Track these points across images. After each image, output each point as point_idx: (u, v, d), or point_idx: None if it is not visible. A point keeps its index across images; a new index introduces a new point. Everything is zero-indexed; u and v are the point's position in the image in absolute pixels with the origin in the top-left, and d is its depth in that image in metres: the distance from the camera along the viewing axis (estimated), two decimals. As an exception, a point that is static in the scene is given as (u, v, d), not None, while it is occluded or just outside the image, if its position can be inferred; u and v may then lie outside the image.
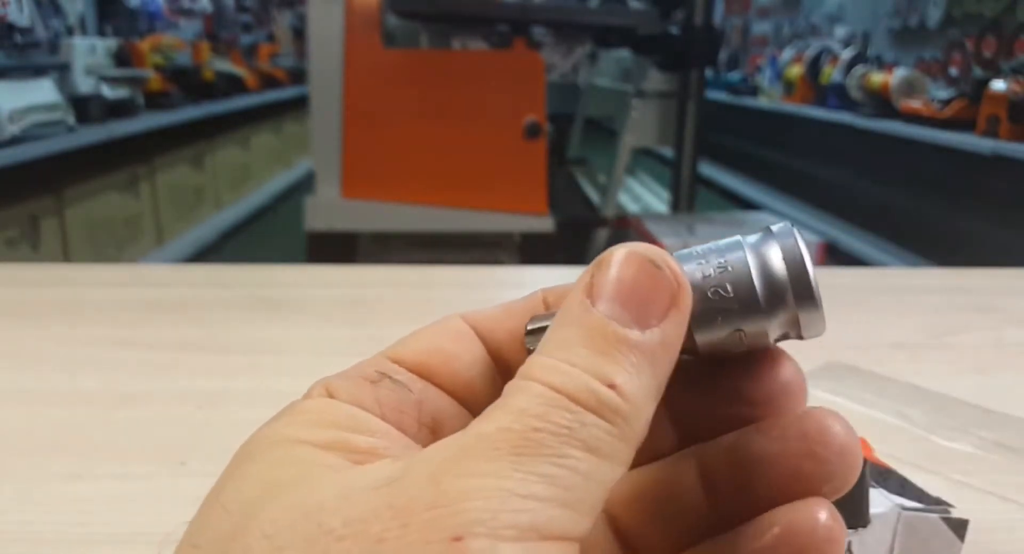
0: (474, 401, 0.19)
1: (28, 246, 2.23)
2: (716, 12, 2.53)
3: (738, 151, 5.01)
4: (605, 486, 0.15)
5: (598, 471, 0.14)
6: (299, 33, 5.11)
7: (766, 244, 0.18)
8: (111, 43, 2.65)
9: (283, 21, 5.49)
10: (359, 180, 1.94)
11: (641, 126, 2.19)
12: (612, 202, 2.29)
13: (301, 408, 0.18)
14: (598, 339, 0.16)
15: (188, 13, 4.30)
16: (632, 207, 3.25)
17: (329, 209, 1.95)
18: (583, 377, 0.15)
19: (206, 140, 3.51)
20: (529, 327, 0.19)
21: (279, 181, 4.56)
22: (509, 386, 0.16)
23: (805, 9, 5.49)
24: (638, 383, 0.15)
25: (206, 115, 3.25)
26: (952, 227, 2.89)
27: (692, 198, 2.27)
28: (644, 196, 3.63)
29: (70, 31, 2.89)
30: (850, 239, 3.46)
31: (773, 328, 0.18)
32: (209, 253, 3.27)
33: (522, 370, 0.16)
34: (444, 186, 1.95)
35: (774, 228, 0.18)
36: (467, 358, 0.20)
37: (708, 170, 4.88)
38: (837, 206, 3.73)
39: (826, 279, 0.64)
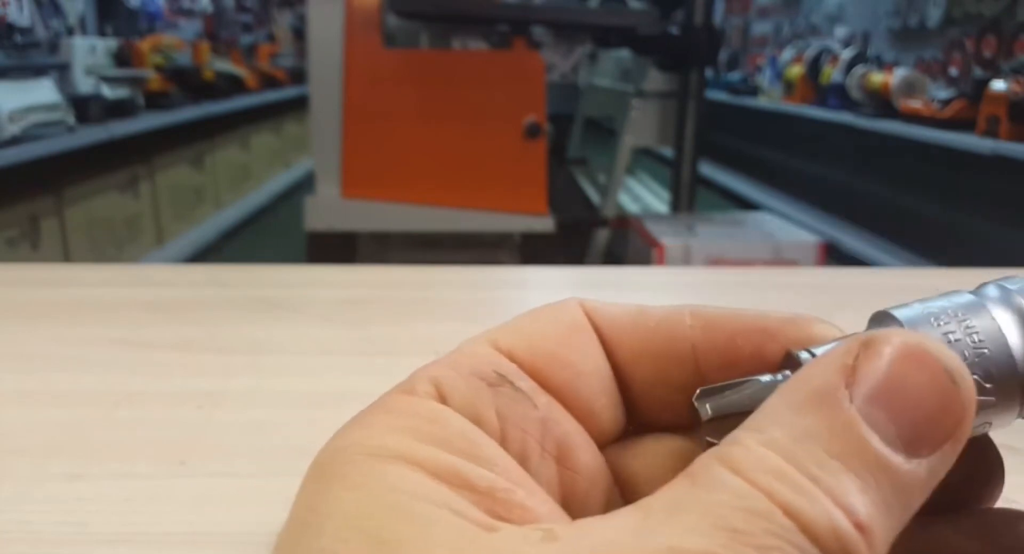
0: (595, 426, 0.16)
1: (28, 246, 2.23)
2: (716, 12, 2.53)
3: (738, 151, 5.01)
4: None
5: None
6: (299, 33, 5.11)
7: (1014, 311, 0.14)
8: (111, 43, 2.65)
9: (283, 21, 5.49)
10: (359, 180, 1.94)
11: (641, 126, 2.19)
12: (612, 202, 2.29)
13: (406, 409, 0.15)
14: (852, 453, 0.12)
15: (188, 13, 4.30)
16: (632, 207, 3.25)
17: (329, 209, 1.95)
18: (825, 504, 0.11)
19: (206, 140, 3.51)
20: (705, 395, 0.15)
21: (279, 181, 4.56)
22: (712, 475, 0.12)
23: (805, 9, 5.49)
24: (886, 526, 0.12)
25: (206, 115, 3.25)
26: (952, 227, 2.89)
27: (692, 198, 2.27)
28: (644, 196, 3.63)
29: (70, 31, 2.89)
30: (850, 239, 3.46)
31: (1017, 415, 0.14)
32: (209, 253, 3.27)
33: (735, 456, 0.12)
34: (444, 186, 1.95)
35: (1012, 286, 0.15)
36: (590, 367, 0.16)
37: (708, 170, 4.88)
38: (837, 206, 3.73)
39: (826, 279, 0.64)
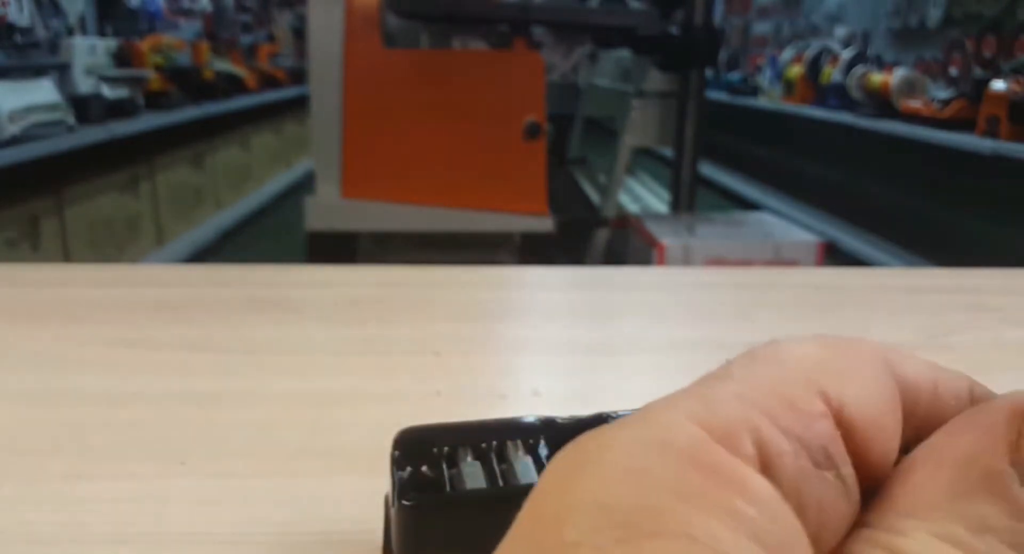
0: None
1: (28, 246, 2.23)
2: (716, 12, 2.53)
3: (738, 151, 5.01)
4: None
5: None
6: (299, 33, 5.11)
7: None
8: (111, 43, 2.66)
9: (283, 21, 5.49)
10: (359, 180, 1.94)
11: (641, 126, 2.19)
12: (612, 202, 2.29)
13: (733, 481, 0.11)
14: None
15: (188, 13, 4.30)
16: (632, 207, 3.25)
17: (329, 209, 1.95)
18: None
19: (206, 140, 3.52)
20: None
21: (279, 181, 4.56)
22: None
23: (805, 9, 5.49)
24: None
25: (206, 115, 3.25)
26: (952, 227, 2.89)
27: (692, 198, 2.27)
28: (644, 196, 3.63)
29: (70, 31, 2.89)
30: (850, 239, 3.46)
31: None
32: (209, 253, 3.27)
33: (912, 551, 0.11)
34: (444, 186, 1.95)
35: None
36: (896, 442, 0.13)
37: (708, 170, 4.88)
38: (837, 206, 3.73)
39: (826, 279, 0.64)
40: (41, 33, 2.60)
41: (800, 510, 0.11)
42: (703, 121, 2.16)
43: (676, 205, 2.27)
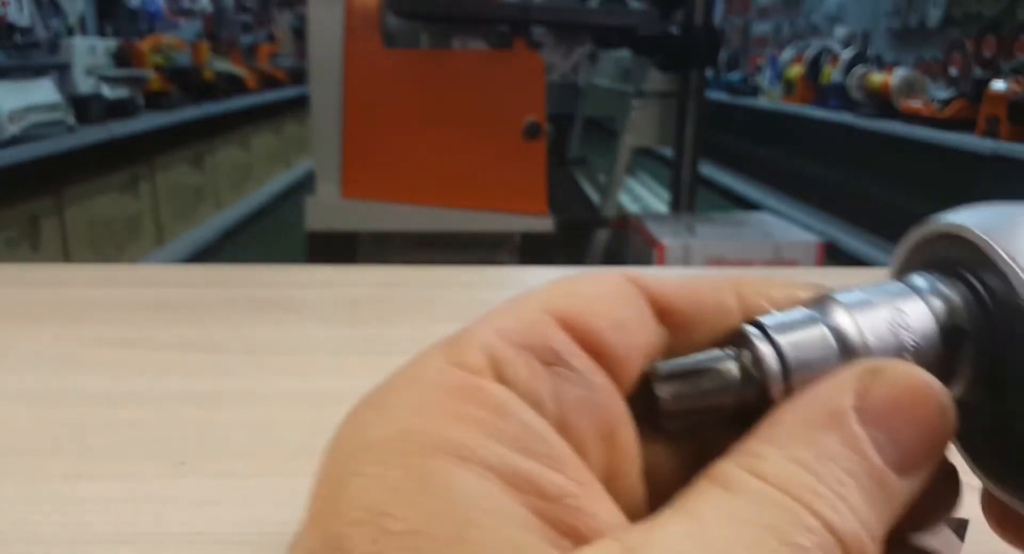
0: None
1: (28, 246, 2.23)
2: (716, 12, 2.53)
3: (738, 151, 5.01)
4: None
5: None
6: (299, 33, 5.11)
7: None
8: (111, 43, 2.66)
9: (283, 21, 5.49)
10: (359, 180, 1.94)
11: (641, 126, 2.19)
12: (612, 202, 2.29)
13: (466, 391, 0.13)
14: (862, 472, 0.13)
15: (188, 13, 4.30)
16: (632, 207, 3.25)
17: (329, 209, 1.95)
18: (853, 520, 0.13)
19: (206, 140, 3.52)
20: (665, 371, 0.15)
21: (279, 181, 4.56)
22: (752, 487, 0.13)
23: (805, 9, 5.49)
24: (882, 536, 0.13)
25: (206, 115, 3.25)
26: (952, 227, 2.88)
27: (692, 198, 2.27)
28: (644, 196, 3.63)
29: (70, 31, 2.89)
30: (850, 239, 3.46)
31: None
32: (209, 253, 3.27)
33: (768, 470, 0.13)
34: (444, 186, 1.95)
35: (931, 277, 0.16)
36: (644, 336, 0.15)
37: (708, 170, 4.88)
38: (837, 206, 3.73)
39: (826, 279, 0.64)
40: (41, 33, 2.60)
41: (537, 404, 0.13)
42: (703, 121, 2.16)
43: (676, 205, 2.28)
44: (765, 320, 0.16)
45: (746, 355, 0.15)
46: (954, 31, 3.51)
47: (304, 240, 2.01)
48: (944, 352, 0.16)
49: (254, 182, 4.22)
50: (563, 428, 0.13)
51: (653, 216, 2.34)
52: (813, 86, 3.96)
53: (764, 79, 4.70)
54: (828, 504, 0.12)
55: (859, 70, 3.47)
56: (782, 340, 0.15)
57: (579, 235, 2.29)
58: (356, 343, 0.50)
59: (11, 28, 2.44)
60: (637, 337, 0.15)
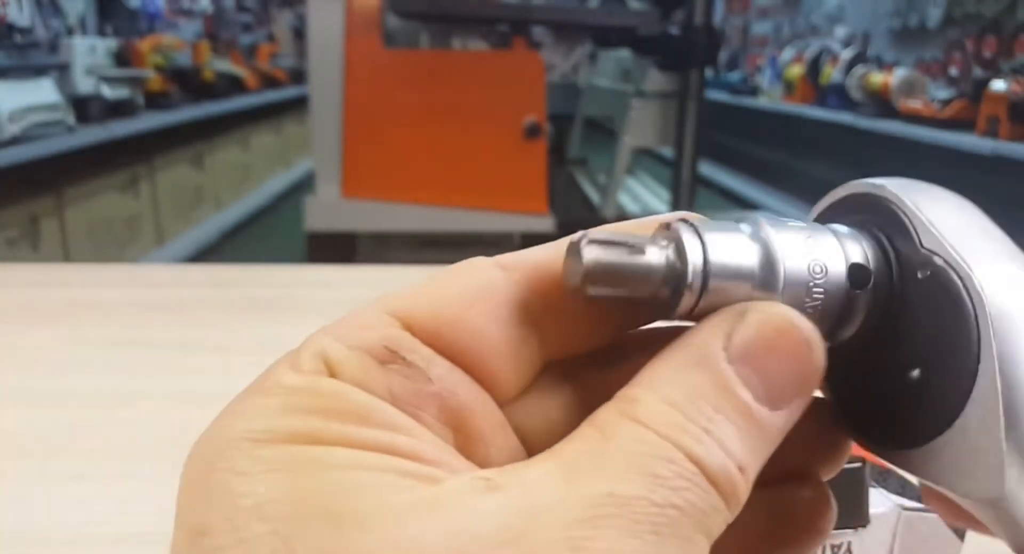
0: (498, 388, 0.16)
1: (28, 246, 2.23)
2: (716, 12, 2.53)
3: (738, 151, 5.01)
4: None
5: None
6: (299, 33, 5.10)
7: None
8: (111, 43, 2.66)
9: (283, 21, 5.49)
10: (359, 180, 1.94)
11: (641, 126, 2.19)
12: (612, 202, 2.29)
13: (301, 387, 0.14)
14: (731, 407, 0.14)
15: (188, 13, 4.30)
16: (632, 207, 3.24)
17: (329, 209, 1.95)
18: (718, 452, 0.13)
19: (206, 140, 3.51)
20: (595, 237, 0.15)
21: (279, 181, 4.55)
22: (623, 429, 0.13)
23: (805, 9, 5.49)
24: (755, 467, 0.14)
25: (206, 115, 3.25)
26: (952, 227, 2.89)
27: (692, 198, 2.27)
28: (644, 196, 3.62)
29: (70, 31, 2.88)
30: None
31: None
32: (209, 253, 3.27)
33: (641, 413, 0.14)
34: (444, 186, 1.95)
35: (843, 230, 0.17)
36: (496, 329, 0.16)
37: (708, 170, 4.88)
38: (837, 206, 3.73)
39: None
40: (41, 33, 2.60)
41: (375, 392, 0.14)
42: (703, 121, 2.16)
43: (676, 205, 2.27)
44: (694, 220, 0.16)
45: (672, 248, 0.15)
46: (954, 31, 3.50)
47: (304, 240, 2.01)
48: (848, 288, 0.16)
49: (254, 182, 4.22)
50: (414, 408, 0.14)
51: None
52: (813, 86, 3.96)
53: (764, 79, 4.70)
54: (694, 438, 0.13)
55: (859, 70, 3.47)
56: (708, 238, 0.15)
57: (579, 235, 2.28)
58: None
59: (11, 28, 2.43)
60: (479, 328, 0.15)
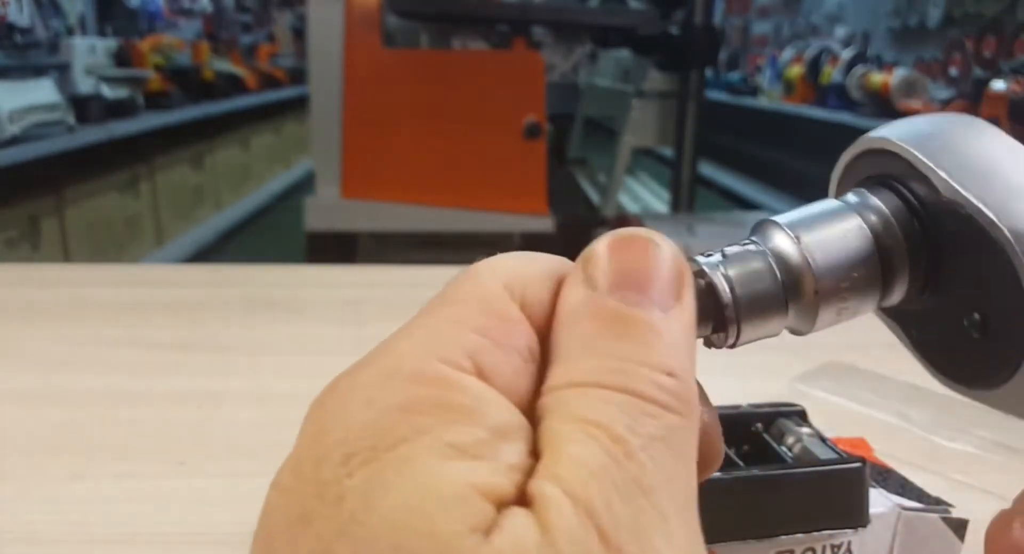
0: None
1: (28, 246, 2.23)
2: (716, 12, 2.53)
3: (738, 151, 5.01)
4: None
5: (694, 481, 0.14)
6: (299, 33, 5.10)
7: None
8: (111, 43, 2.66)
9: (283, 21, 5.49)
10: (359, 180, 1.94)
11: (641, 126, 2.19)
12: (612, 202, 2.29)
13: (460, 390, 0.13)
14: (629, 330, 0.14)
15: (188, 13, 4.30)
16: (632, 207, 3.25)
17: (329, 209, 1.95)
18: (642, 373, 0.14)
19: (206, 140, 3.51)
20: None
21: (279, 181, 4.55)
22: (558, 397, 0.14)
23: (805, 9, 5.49)
24: (685, 366, 0.14)
25: (206, 115, 3.25)
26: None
27: (692, 198, 2.27)
28: (644, 196, 3.63)
29: (70, 31, 2.89)
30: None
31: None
32: (209, 253, 3.27)
33: (566, 374, 0.14)
34: (444, 186, 1.95)
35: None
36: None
37: (708, 170, 4.88)
38: (837, 206, 3.73)
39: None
40: (41, 33, 2.60)
41: (519, 401, 0.14)
42: (703, 121, 2.16)
43: (676, 205, 2.28)
44: (713, 253, 0.17)
45: (699, 285, 0.17)
46: (954, 31, 3.50)
47: (304, 240, 2.01)
48: (881, 262, 0.17)
49: (254, 182, 4.22)
50: (531, 419, 0.14)
51: (653, 216, 2.34)
52: (813, 86, 3.96)
53: (764, 79, 4.70)
54: (609, 371, 0.14)
55: (859, 70, 3.47)
56: (731, 271, 0.17)
57: (579, 235, 2.28)
58: (356, 343, 0.50)
59: (11, 28, 2.43)
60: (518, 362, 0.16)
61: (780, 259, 0.17)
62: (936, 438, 0.43)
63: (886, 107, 3.20)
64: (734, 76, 5.43)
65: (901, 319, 0.19)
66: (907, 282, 0.17)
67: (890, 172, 0.18)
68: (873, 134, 0.19)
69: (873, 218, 0.17)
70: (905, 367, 0.52)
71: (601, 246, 0.16)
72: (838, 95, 3.59)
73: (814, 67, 3.98)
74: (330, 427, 0.14)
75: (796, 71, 4.15)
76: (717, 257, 0.17)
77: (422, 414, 0.13)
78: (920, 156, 0.17)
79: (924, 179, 0.17)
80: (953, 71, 3.39)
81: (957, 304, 0.17)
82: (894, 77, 3.20)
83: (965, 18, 3.44)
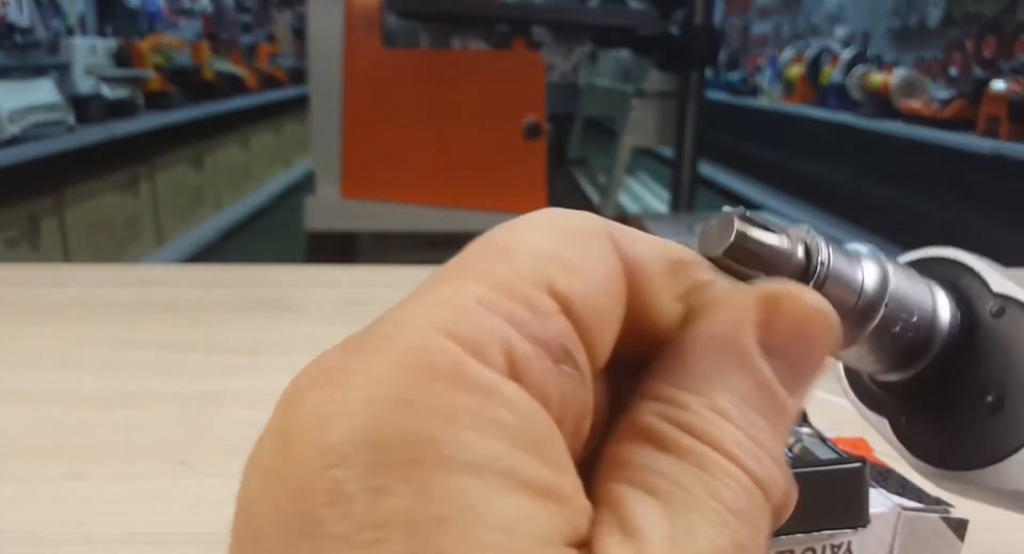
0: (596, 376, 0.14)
1: (28, 246, 2.23)
2: (716, 12, 2.53)
3: (738, 151, 5.01)
4: None
5: None
6: (299, 33, 5.10)
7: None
8: (111, 43, 2.66)
9: (283, 21, 5.49)
10: (359, 180, 1.94)
11: (641, 126, 2.19)
12: (612, 202, 2.29)
13: (493, 391, 0.12)
14: (769, 407, 0.14)
15: (188, 13, 4.30)
16: (632, 207, 3.25)
17: (329, 209, 1.95)
18: (770, 466, 0.13)
19: (206, 140, 3.51)
20: (750, 217, 0.16)
21: (279, 181, 4.55)
22: (684, 445, 0.13)
23: (805, 9, 5.49)
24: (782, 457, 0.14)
25: (206, 115, 3.25)
26: (952, 227, 2.89)
27: (692, 198, 2.27)
28: (644, 196, 3.63)
29: (70, 31, 2.89)
30: (850, 239, 3.45)
31: None
32: (209, 253, 3.27)
33: (696, 424, 0.13)
34: (444, 186, 1.95)
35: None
36: (616, 319, 0.14)
37: (708, 170, 4.88)
38: (837, 206, 3.73)
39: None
40: (41, 33, 2.60)
41: (547, 404, 0.12)
42: (703, 121, 2.16)
43: (676, 205, 2.27)
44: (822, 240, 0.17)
45: (803, 245, 0.17)
46: (954, 31, 3.50)
47: (304, 240, 2.01)
48: (944, 327, 0.18)
49: (254, 182, 4.22)
50: (560, 427, 0.13)
51: (653, 216, 2.34)
52: (813, 86, 3.96)
53: (764, 79, 4.70)
54: (753, 456, 0.13)
55: (859, 70, 3.47)
56: (834, 249, 0.17)
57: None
58: (356, 343, 0.50)
59: (11, 28, 2.43)
60: (615, 329, 0.14)
61: (868, 274, 0.17)
62: (936, 438, 0.42)
63: (886, 107, 3.20)
64: (734, 76, 5.43)
65: (890, 405, 0.20)
66: (934, 355, 0.18)
67: (940, 272, 0.20)
68: (927, 250, 0.22)
69: (942, 294, 0.19)
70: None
71: (791, 305, 0.14)
72: (838, 95, 3.59)
73: (814, 67, 3.98)
74: (342, 425, 0.11)
75: (796, 71, 4.15)
76: (863, 249, 0.18)
77: (463, 426, 0.11)
78: (972, 261, 0.20)
79: (973, 277, 0.19)
80: (953, 71, 3.39)
81: (976, 383, 0.18)
82: (894, 77, 3.20)
83: (965, 18, 3.44)
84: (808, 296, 0.14)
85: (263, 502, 0.12)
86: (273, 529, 0.11)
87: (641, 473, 0.13)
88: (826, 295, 0.15)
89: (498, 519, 0.11)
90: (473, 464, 0.11)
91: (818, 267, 0.16)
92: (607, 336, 0.14)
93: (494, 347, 0.12)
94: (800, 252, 0.16)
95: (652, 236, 0.16)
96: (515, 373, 0.12)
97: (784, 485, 0.14)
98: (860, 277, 0.17)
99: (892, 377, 0.19)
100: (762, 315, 0.14)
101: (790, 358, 0.14)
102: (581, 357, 0.13)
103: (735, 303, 0.14)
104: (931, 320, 0.18)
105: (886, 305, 0.17)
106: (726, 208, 0.16)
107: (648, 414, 0.13)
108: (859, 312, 0.17)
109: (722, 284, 0.15)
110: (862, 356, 0.18)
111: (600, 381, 0.15)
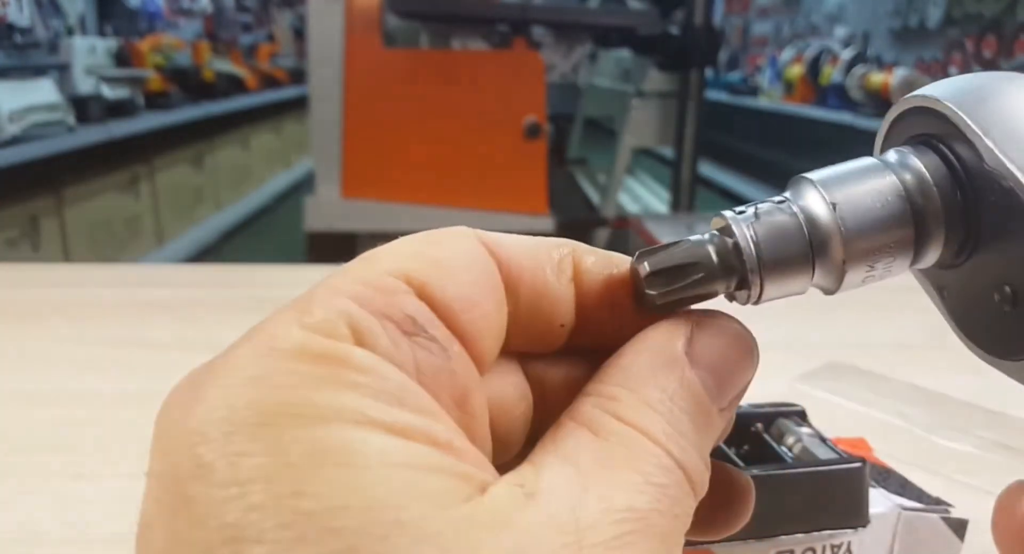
0: (483, 366, 0.16)
1: (28, 246, 2.23)
2: (716, 12, 2.53)
3: (738, 151, 5.00)
4: None
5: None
6: (299, 33, 5.10)
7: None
8: (111, 43, 2.66)
9: (283, 21, 5.49)
10: (359, 180, 1.94)
11: (641, 126, 2.19)
12: (612, 202, 2.28)
13: (339, 357, 0.13)
14: (696, 411, 0.15)
15: (188, 13, 4.30)
16: (632, 207, 3.24)
17: (329, 209, 1.95)
18: (696, 458, 0.15)
19: (206, 140, 3.51)
20: (642, 255, 0.16)
21: (279, 181, 4.55)
22: (613, 429, 0.15)
23: (805, 9, 5.49)
24: (708, 463, 0.16)
25: (206, 115, 3.25)
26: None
27: (692, 198, 2.27)
28: (644, 196, 3.62)
29: (70, 31, 2.88)
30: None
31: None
32: (209, 253, 3.26)
33: (626, 413, 0.15)
34: (444, 186, 1.95)
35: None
36: (491, 307, 0.16)
37: (708, 170, 4.88)
38: (837, 206, 3.73)
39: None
40: (41, 33, 2.60)
41: (401, 368, 0.13)
42: (703, 121, 2.16)
43: (676, 205, 2.28)
44: (745, 208, 0.17)
45: (725, 243, 0.17)
46: (954, 31, 3.50)
47: (304, 240, 2.01)
48: (915, 227, 0.17)
49: (254, 182, 4.22)
50: (434, 396, 0.14)
51: (653, 216, 2.34)
52: (813, 86, 3.96)
53: (764, 79, 4.70)
54: (676, 443, 0.15)
55: (859, 70, 3.47)
56: (758, 229, 0.17)
57: (579, 235, 2.27)
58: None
59: (11, 28, 2.43)
60: (487, 311, 0.15)
61: (810, 219, 0.17)
62: (936, 438, 0.43)
63: (886, 107, 3.18)
64: (734, 76, 5.43)
65: (934, 279, 0.19)
66: (940, 248, 0.17)
67: (935, 132, 0.17)
68: (922, 92, 0.18)
69: (911, 180, 0.17)
70: (905, 367, 0.52)
71: (714, 328, 0.16)
72: (838, 95, 3.59)
73: (814, 67, 3.98)
74: (201, 409, 0.12)
75: (796, 71, 4.15)
76: (749, 212, 0.17)
77: (314, 388, 0.12)
78: (968, 120, 0.16)
79: (969, 144, 0.16)
80: (953, 71, 3.39)
81: (990, 274, 0.17)
82: (894, 77, 3.20)
83: (965, 18, 3.44)
84: (730, 323, 0.17)
85: (149, 501, 0.13)
86: (157, 520, 0.12)
87: (572, 449, 0.14)
88: (774, 255, 0.16)
89: (358, 457, 0.12)
90: (322, 416, 0.12)
91: (742, 244, 0.16)
92: (482, 317, 0.15)
93: (339, 322, 0.13)
94: (712, 250, 0.16)
95: (525, 237, 0.17)
96: (360, 341, 0.13)
97: (707, 475, 0.15)
98: (799, 220, 0.16)
99: (916, 268, 0.18)
100: (691, 331, 0.16)
101: (715, 372, 0.16)
102: (440, 331, 0.14)
103: (670, 320, 0.16)
104: (906, 232, 0.17)
105: (844, 256, 0.16)
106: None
107: (585, 405, 0.15)
108: (818, 246, 0.16)
109: (601, 258, 0.17)
110: (868, 273, 0.17)
111: (515, 368, 0.17)
